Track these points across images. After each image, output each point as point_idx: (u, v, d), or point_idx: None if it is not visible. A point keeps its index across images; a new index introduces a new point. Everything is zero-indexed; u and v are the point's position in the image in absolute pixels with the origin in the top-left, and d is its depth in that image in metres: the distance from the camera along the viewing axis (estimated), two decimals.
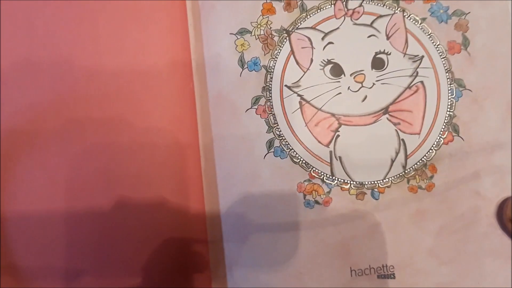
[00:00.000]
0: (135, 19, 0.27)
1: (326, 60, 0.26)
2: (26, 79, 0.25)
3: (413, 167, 0.26)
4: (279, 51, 0.26)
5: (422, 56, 0.26)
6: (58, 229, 0.25)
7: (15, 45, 0.26)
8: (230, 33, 0.26)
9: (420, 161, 0.26)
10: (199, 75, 0.26)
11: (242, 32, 0.26)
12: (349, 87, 0.26)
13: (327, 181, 0.26)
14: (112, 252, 0.26)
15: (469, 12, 0.26)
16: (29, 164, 0.25)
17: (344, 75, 0.26)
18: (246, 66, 0.26)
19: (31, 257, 0.25)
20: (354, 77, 0.26)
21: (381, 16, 0.26)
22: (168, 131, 0.26)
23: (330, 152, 0.26)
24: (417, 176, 0.26)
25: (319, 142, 0.26)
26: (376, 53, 0.26)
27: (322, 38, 0.26)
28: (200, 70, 0.26)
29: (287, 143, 0.26)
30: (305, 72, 0.26)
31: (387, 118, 0.26)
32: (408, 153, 0.26)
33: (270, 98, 0.26)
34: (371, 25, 0.26)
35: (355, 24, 0.26)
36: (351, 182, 0.26)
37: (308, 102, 0.26)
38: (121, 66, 0.26)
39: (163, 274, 0.26)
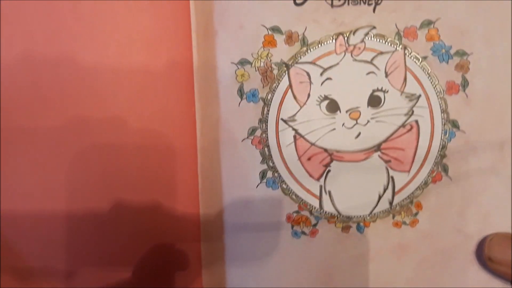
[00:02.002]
0: (137, 18, 0.27)
1: (323, 96, 0.26)
2: (25, 77, 0.26)
3: (400, 203, 0.27)
4: (278, 84, 0.27)
5: (419, 95, 0.27)
6: (56, 229, 0.26)
7: (14, 42, 0.26)
8: (231, 62, 0.27)
9: (407, 198, 0.27)
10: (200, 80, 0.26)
11: (243, 62, 0.27)
12: (343, 123, 0.27)
13: (315, 213, 0.27)
14: (110, 252, 0.27)
15: (471, 53, 0.26)
16: (27, 163, 0.26)
17: (340, 112, 0.27)
18: (245, 96, 0.27)
19: (30, 257, 0.26)
20: (349, 114, 0.27)
21: (382, 53, 0.26)
22: (166, 133, 0.27)
23: (320, 186, 0.27)
24: (402, 212, 0.27)
25: (310, 176, 0.27)
26: (374, 91, 0.26)
27: (321, 74, 0.26)
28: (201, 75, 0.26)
29: (279, 175, 0.27)
30: (301, 107, 0.27)
31: (379, 155, 0.27)
32: (396, 190, 0.27)
33: (266, 130, 0.27)
34: (371, 62, 0.26)
35: (355, 60, 0.26)
36: (338, 216, 0.27)
37: (302, 136, 0.27)
38: (121, 65, 0.27)
39: (158, 275, 0.28)
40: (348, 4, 0.26)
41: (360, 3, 0.26)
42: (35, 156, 0.26)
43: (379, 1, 0.26)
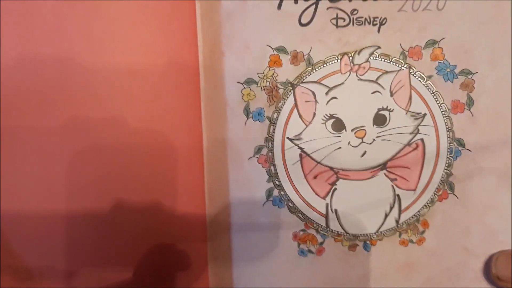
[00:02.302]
0: (140, 18, 0.27)
1: (329, 115, 0.27)
2: (26, 77, 0.26)
3: (406, 221, 0.27)
4: (283, 103, 0.27)
5: (425, 114, 0.27)
6: (57, 229, 0.26)
7: (15, 42, 0.26)
8: (238, 82, 0.27)
9: (413, 216, 0.27)
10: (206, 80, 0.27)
11: (249, 82, 0.27)
12: (349, 142, 0.27)
13: (321, 232, 0.27)
14: (115, 253, 0.27)
15: (476, 72, 0.26)
16: (27, 163, 0.26)
17: (345, 130, 0.27)
18: (251, 115, 0.27)
19: (30, 257, 0.27)
20: (355, 133, 0.27)
21: (387, 72, 0.27)
22: (169, 133, 0.27)
23: (327, 204, 0.27)
24: (409, 230, 0.27)
25: (317, 194, 0.27)
26: (379, 110, 0.27)
27: (326, 93, 0.27)
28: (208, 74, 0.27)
29: (285, 193, 0.27)
30: (307, 126, 0.27)
31: (385, 174, 0.27)
32: (402, 208, 0.27)
33: (272, 149, 0.27)
34: (376, 81, 0.27)
35: (360, 79, 0.27)
36: (345, 234, 0.27)
37: (308, 155, 0.27)
38: (122, 65, 0.27)
39: (162, 275, 0.28)
40: (353, 24, 0.26)
41: (365, 23, 0.26)
42: (36, 156, 0.26)
43: (384, 21, 0.26)
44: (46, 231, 0.26)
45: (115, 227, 0.27)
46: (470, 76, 0.27)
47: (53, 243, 0.27)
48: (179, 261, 0.28)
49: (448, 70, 0.27)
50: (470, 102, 0.27)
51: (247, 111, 0.27)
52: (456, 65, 0.27)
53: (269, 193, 0.27)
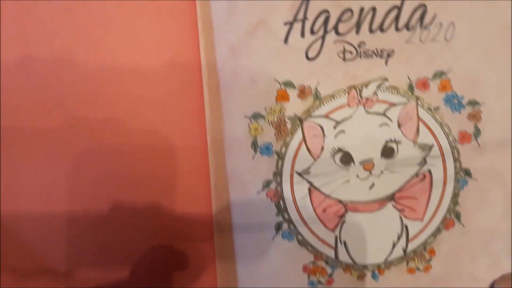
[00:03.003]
0: (142, 18, 0.27)
1: (337, 149, 0.27)
2: (26, 78, 0.26)
3: (413, 250, 0.28)
4: (291, 138, 0.27)
5: (432, 145, 0.27)
6: (57, 230, 0.27)
7: (14, 43, 0.26)
8: (245, 116, 0.27)
9: (421, 245, 0.28)
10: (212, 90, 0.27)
11: (256, 116, 0.27)
12: (357, 174, 0.27)
13: (331, 263, 0.28)
14: (111, 253, 0.28)
15: (483, 103, 0.27)
16: (27, 164, 0.26)
17: (354, 163, 0.27)
18: (258, 150, 0.27)
19: (30, 257, 0.27)
20: (363, 166, 0.27)
21: (394, 104, 0.27)
22: (170, 133, 0.27)
23: (336, 236, 0.27)
24: (416, 259, 0.28)
25: (326, 227, 0.27)
26: (387, 142, 0.27)
27: (334, 127, 0.27)
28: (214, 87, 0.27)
29: (295, 227, 0.27)
30: (315, 160, 0.27)
31: (392, 205, 0.27)
32: (409, 238, 0.28)
33: (281, 183, 0.27)
34: (384, 114, 0.27)
35: (368, 112, 0.27)
36: (353, 265, 0.28)
37: (317, 188, 0.27)
38: (123, 66, 0.27)
39: (166, 273, 0.28)
40: (360, 57, 0.26)
41: (372, 56, 0.26)
42: (35, 157, 0.26)
43: (391, 53, 0.26)
44: (44, 231, 0.27)
45: (124, 227, 0.27)
46: (477, 107, 0.27)
47: (52, 244, 0.27)
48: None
49: (456, 101, 0.27)
50: (477, 133, 0.27)
51: (255, 145, 0.27)
52: (463, 96, 0.27)
53: (279, 226, 0.27)
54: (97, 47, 0.26)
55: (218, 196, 0.27)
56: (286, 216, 0.27)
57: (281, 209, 0.27)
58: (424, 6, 0.26)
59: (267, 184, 0.27)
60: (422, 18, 0.26)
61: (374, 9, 0.26)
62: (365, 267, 0.28)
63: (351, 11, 0.26)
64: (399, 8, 0.26)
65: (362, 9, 0.26)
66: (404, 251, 0.28)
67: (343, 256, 0.28)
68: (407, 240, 0.28)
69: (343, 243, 0.27)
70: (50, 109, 0.26)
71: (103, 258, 0.27)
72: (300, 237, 0.27)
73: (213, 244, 0.28)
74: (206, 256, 0.28)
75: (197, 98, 0.27)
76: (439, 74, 0.26)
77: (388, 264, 0.28)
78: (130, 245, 0.28)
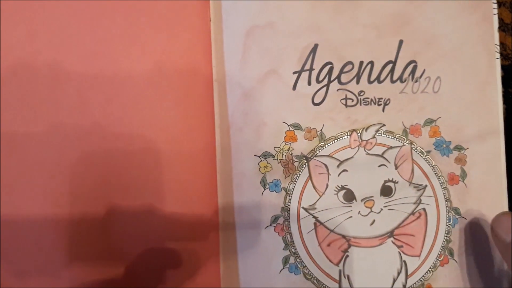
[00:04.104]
0: (144, 21, 0.28)
1: (340, 186, 0.29)
2: (25, 82, 0.27)
3: (412, 286, 0.29)
4: (298, 175, 0.29)
5: (426, 185, 0.30)
6: (59, 231, 0.27)
7: (13, 47, 0.27)
8: (255, 155, 0.29)
9: (419, 280, 0.29)
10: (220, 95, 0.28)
11: (266, 155, 0.29)
12: (359, 211, 0.29)
13: None
14: (111, 253, 0.28)
15: (467, 148, 0.30)
16: (25, 167, 0.27)
17: (356, 201, 0.29)
18: (267, 186, 0.29)
19: (29, 258, 0.27)
20: (364, 203, 0.29)
21: (391, 147, 0.29)
22: (182, 139, 0.29)
23: (340, 270, 0.29)
24: None
25: (330, 261, 0.29)
26: (385, 181, 0.29)
27: (338, 166, 0.29)
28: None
29: (301, 260, 0.29)
30: (320, 196, 0.29)
31: (392, 241, 0.29)
32: (408, 273, 0.29)
33: (288, 218, 0.29)
34: (382, 155, 0.29)
35: (368, 154, 0.29)
36: None
37: (322, 223, 0.29)
38: (122, 71, 0.28)
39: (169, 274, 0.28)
40: (360, 104, 0.29)
41: (371, 103, 0.29)
42: (35, 158, 0.27)
43: (388, 102, 0.29)
44: (43, 232, 0.27)
45: (129, 228, 0.28)
46: (462, 151, 0.30)
47: (51, 244, 0.27)
48: None
49: (444, 146, 0.30)
50: (464, 175, 0.30)
51: (264, 182, 0.29)
52: (450, 142, 0.30)
53: (286, 260, 0.29)
54: (95, 52, 0.28)
55: (226, 231, 0.28)
56: (293, 250, 0.29)
57: (289, 243, 0.29)
58: (415, 62, 0.29)
59: (275, 219, 0.29)
60: (413, 72, 0.30)
61: (372, 63, 0.29)
62: None
63: (352, 63, 0.29)
64: (393, 63, 0.29)
65: (361, 63, 0.29)
66: (404, 286, 0.29)
67: None
68: (406, 276, 0.29)
69: (346, 277, 0.29)
70: (46, 113, 0.27)
71: (104, 258, 0.27)
72: (306, 271, 0.29)
73: (219, 278, 0.28)
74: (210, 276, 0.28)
75: (207, 104, 0.29)
76: (429, 122, 0.30)
77: None
78: (130, 246, 0.28)
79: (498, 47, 0.30)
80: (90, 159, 0.28)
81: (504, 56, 0.34)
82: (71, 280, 0.27)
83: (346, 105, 0.29)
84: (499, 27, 0.30)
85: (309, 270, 0.29)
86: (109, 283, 0.28)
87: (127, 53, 0.28)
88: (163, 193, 0.29)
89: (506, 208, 0.30)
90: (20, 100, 0.27)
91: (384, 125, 0.29)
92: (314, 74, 0.29)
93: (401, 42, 0.29)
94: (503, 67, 0.30)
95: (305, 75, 0.29)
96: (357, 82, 0.29)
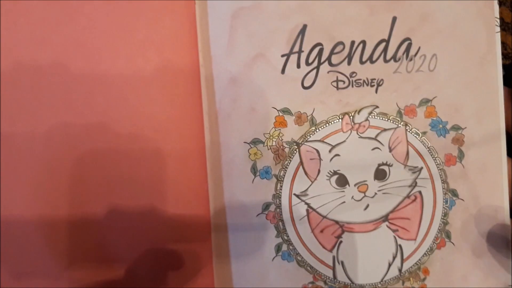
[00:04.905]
0: (137, 20, 0.28)
1: (332, 171, 0.28)
2: (24, 82, 0.27)
3: (408, 270, 0.29)
4: (289, 161, 0.28)
5: (421, 168, 0.29)
6: (56, 231, 0.27)
7: (13, 47, 0.27)
8: (244, 142, 0.28)
9: (415, 264, 0.29)
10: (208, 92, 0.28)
11: (256, 142, 0.28)
12: (352, 196, 0.28)
13: (329, 283, 0.28)
14: (109, 253, 0.28)
15: (465, 127, 0.29)
16: (25, 167, 0.27)
17: (349, 185, 0.28)
18: (258, 174, 0.28)
19: (29, 259, 0.27)
20: (357, 187, 0.28)
21: (385, 130, 0.28)
22: (168, 136, 0.28)
23: (333, 257, 0.28)
24: (411, 278, 0.29)
25: (324, 247, 0.28)
26: (379, 165, 0.28)
27: (330, 151, 0.28)
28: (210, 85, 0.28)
29: (294, 248, 0.28)
30: (312, 182, 0.28)
31: (387, 225, 0.29)
32: (404, 257, 0.29)
33: (280, 205, 0.28)
34: (375, 138, 0.28)
35: (361, 137, 0.28)
36: (351, 285, 0.28)
37: (314, 210, 0.28)
38: (119, 70, 0.28)
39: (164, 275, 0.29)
40: (352, 86, 0.28)
41: (363, 85, 0.28)
42: (34, 159, 0.27)
43: (381, 83, 0.28)
44: (49, 232, 0.27)
45: (120, 230, 0.28)
46: (460, 132, 0.29)
47: (57, 244, 0.27)
48: None
49: (441, 126, 0.29)
50: (461, 155, 0.29)
51: (254, 169, 0.28)
52: (447, 122, 0.29)
53: (278, 248, 0.28)
54: (95, 53, 0.27)
55: (217, 220, 0.28)
56: (285, 237, 0.28)
57: (281, 231, 0.28)
58: (409, 39, 0.28)
59: (266, 206, 0.28)
60: (407, 50, 0.28)
61: (364, 42, 0.28)
62: (362, 286, 0.29)
63: (343, 44, 0.28)
64: (387, 42, 0.28)
65: (353, 42, 0.28)
66: (399, 270, 0.29)
67: (341, 276, 0.28)
68: (402, 260, 0.29)
69: (340, 263, 0.28)
70: (46, 114, 0.27)
71: (101, 260, 0.27)
72: (299, 258, 0.28)
73: (212, 268, 0.28)
74: (204, 277, 0.28)
75: (196, 110, 0.28)
76: (424, 102, 0.29)
77: (384, 283, 0.29)
78: (128, 246, 0.28)
79: (498, 21, 0.28)
80: (89, 159, 0.28)
81: (504, 55, 0.33)
82: (70, 281, 0.28)
83: (337, 88, 0.28)
84: (500, 26, 0.28)
85: (302, 257, 0.28)
86: (104, 284, 0.28)
87: (111, 45, 0.28)
88: (160, 193, 0.28)
89: (506, 188, 0.29)
90: (20, 100, 0.27)
91: (377, 107, 0.28)
92: (303, 56, 0.28)
93: (394, 19, 0.28)
94: (503, 67, 0.29)
95: (294, 57, 0.28)
96: (349, 63, 0.28)
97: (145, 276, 0.29)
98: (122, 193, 0.28)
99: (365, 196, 0.28)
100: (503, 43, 0.34)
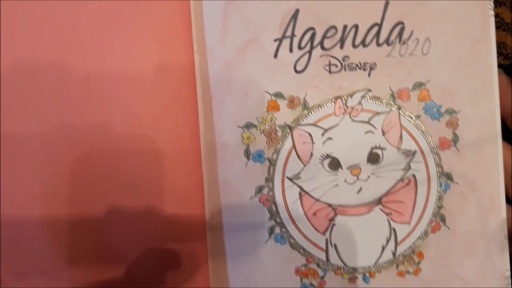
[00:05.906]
0: (134, 21, 0.28)
1: (325, 155, 0.28)
2: (24, 82, 0.27)
3: (402, 253, 0.29)
4: (282, 145, 0.28)
5: (415, 151, 0.29)
6: (55, 231, 0.28)
7: (13, 46, 0.27)
8: (237, 126, 0.28)
9: (409, 248, 0.29)
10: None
11: (249, 126, 0.28)
12: (345, 179, 0.28)
13: (322, 266, 0.29)
14: (107, 254, 0.28)
15: (459, 111, 0.28)
16: (25, 167, 0.28)
17: (341, 169, 0.28)
18: (251, 157, 0.28)
19: (29, 259, 0.28)
20: (350, 171, 0.28)
21: (378, 113, 0.29)
22: (165, 137, 0.29)
23: (326, 239, 0.29)
24: (405, 262, 0.29)
25: (316, 230, 0.29)
26: (372, 148, 0.28)
27: (322, 134, 0.28)
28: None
29: (287, 230, 0.29)
30: (305, 165, 0.28)
31: (380, 209, 0.29)
32: (398, 241, 0.29)
33: (273, 188, 0.28)
34: (368, 122, 0.28)
35: (354, 121, 0.28)
36: (344, 267, 0.29)
37: (307, 193, 0.28)
38: (117, 70, 0.28)
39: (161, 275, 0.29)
40: (345, 70, 0.28)
41: (356, 69, 0.28)
42: (33, 159, 0.28)
43: (374, 66, 0.28)
44: (49, 232, 0.28)
45: (118, 229, 0.28)
46: (454, 115, 0.29)
47: (56, 244, 0.28)
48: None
49: (435, 109, 0.29)
50: (456, 139, 0.29)
51: (247, 153, 0.28)
52: (441, 105, 0.29)
53: (271, 230, 0.29)
54: (92, 53, 0.28)
55: (212, 203, 0.28)
56: (278, 220, 0.29)
57: (274, 213, 0.29)
58: (402, 23, 0.28)
59: (259, 190, 0.29)
60: (400, 34, 0.28)
61: (356, 26, 0.28)
62: (356, 269, 0.29)
63: (335, 28, 0.28)
64: (379, 26, 0.28)
65: (345, 26, 0.28)
66: (393, 254, 0.29)
67: (334, 259, 0.29)
68: (396, 243, 0.29)
69: (333, 246, 0.29)
70: (45, 114, 0.28)
71: (100, 259, 0.28)
72: (292, 241, 0.29)
73: (206, 246, 0.29)
74: (198, 257, 0.29)
75: (191, 106, 0.29)
76: (418, 85, 0.29)
77: (378, 267, 0.29)
78: (125, 246, 0.28)
79: (492, 5, 0.28)
80: (89, 159, 0.28)
81: (504, 55, 0.32)
82: (69, 281, 0.28)
83: (330, 72, 0.28)
84: (499, 27, 0.28)
85: (295, 240, 0.29)
86: (102, 284, 0.28)
87: (108, 42, 0.28)
88: (157, 191, 0.29)
89: (501, 172, 0.29)
90: (20, 100, 0.28)
91: (370, 90, 0.29)
92: (295, 40, 0.28)
93: (387, 2, 0.28)
94: (503, 67, 0.29)
95: (286, 42, 0.28)
96: (341, 47, 0.28)
97: (142, 276, 0.29)
98: (120, 190, 0.29)
99: (358, 179, 0.28)
100: (503, 43, 0.33)
